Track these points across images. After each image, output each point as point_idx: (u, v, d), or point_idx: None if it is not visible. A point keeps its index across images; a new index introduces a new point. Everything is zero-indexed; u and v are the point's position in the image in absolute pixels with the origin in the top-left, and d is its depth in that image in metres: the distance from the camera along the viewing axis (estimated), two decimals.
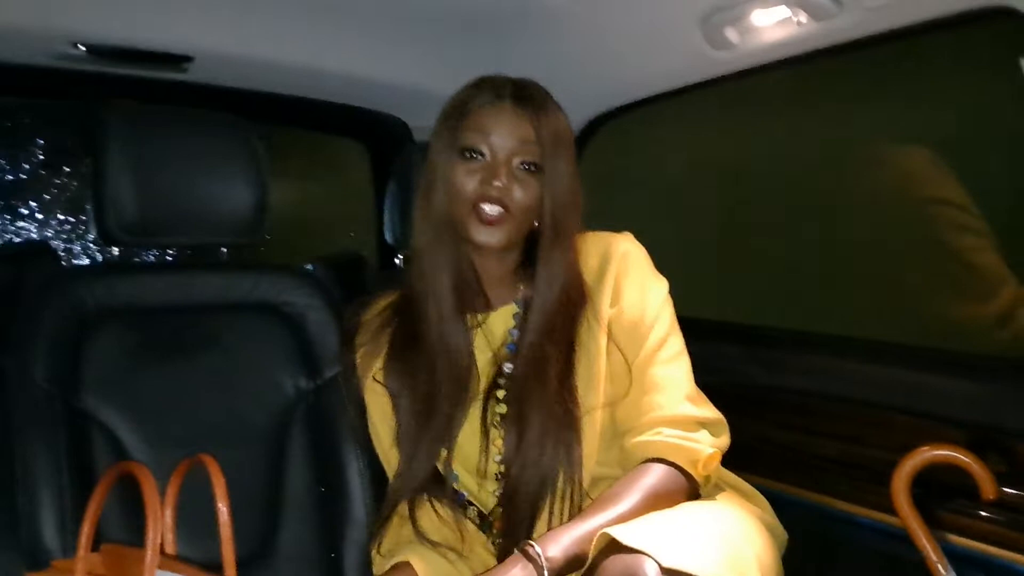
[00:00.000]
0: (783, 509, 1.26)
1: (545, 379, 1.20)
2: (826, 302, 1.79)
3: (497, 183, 1.20)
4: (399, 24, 1.64)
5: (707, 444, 1.18)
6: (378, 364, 1.31)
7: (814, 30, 1.32)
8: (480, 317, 1.29)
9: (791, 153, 1.92)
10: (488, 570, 1.10)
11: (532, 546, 1.07)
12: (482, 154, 1.22)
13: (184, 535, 1.18)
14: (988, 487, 1.12)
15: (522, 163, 1.22)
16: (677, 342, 1.25)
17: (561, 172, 1.22)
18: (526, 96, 1.24)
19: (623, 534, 0.99)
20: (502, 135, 1.21)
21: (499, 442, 1.24)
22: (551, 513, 1.19)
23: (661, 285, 1.26)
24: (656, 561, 0.95)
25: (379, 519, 1.31)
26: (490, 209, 1.20)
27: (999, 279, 1.34)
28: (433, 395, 1.25)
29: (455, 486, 1.28)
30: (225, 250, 1.59)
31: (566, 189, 1.22)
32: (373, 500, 1.38)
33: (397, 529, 1.29)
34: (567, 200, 1.23)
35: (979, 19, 1.16)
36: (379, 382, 1.31)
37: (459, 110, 1.25)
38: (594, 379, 1.21)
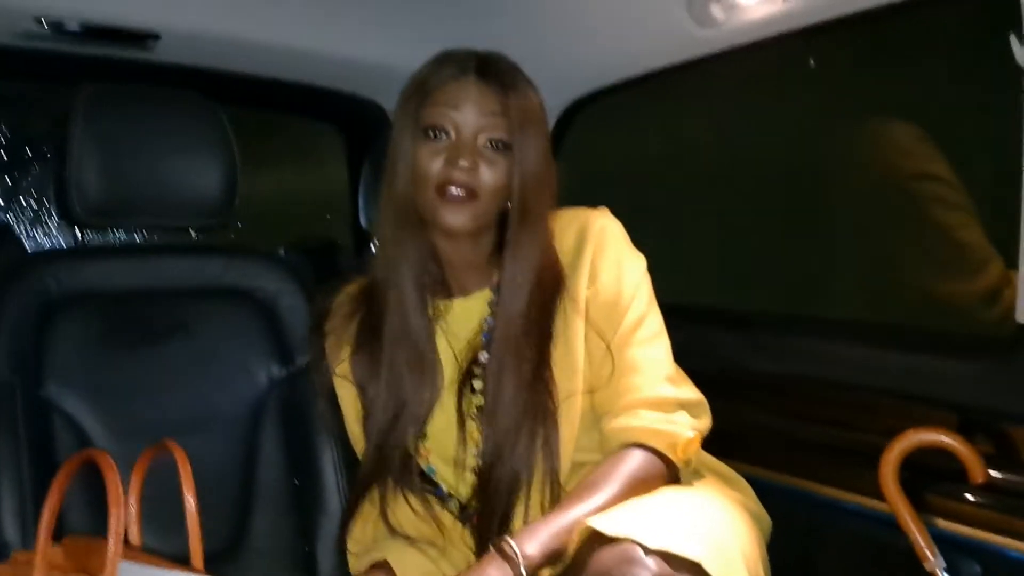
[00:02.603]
0: (768, 495, 1.24)
1: (518, 369, 1.16)
2: (813, 281, 1.78)
3: (463, 163, 1.13)
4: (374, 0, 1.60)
5: (687, 427, 1.14)
6: (346, 351, 1.27)
7: (801, 7, 1.29)
8: (445, 305, 1.24)
9: (776, 135, 1.90)
10: (463, 570, 1.07)
11: (508, 543, 1.04)
12: (446, 132, 1.14)
13: (153, 529, 1.15)
14: (977, 471, 1.11)
15: (489, 141, 1.14)
16: (656, 321, 1.20)
17: (531, 150, 1.15)
18: (492, 69, 1.17)
19: (605, 525, 0.97)
20: (467, 111, 1.14)
21: (476, 434, 1.20)
22: (528, 504, 1.16)
23: (639, 262, 1.21)
24: (643, 546, 0.93)
25: (347, 510, 1.27)
26: (456, 191, 1.13)
27: (986, 256, 1.33)
28: (397, 384, 1.21)
29: (434, 479, 1.24)
30: (195, 235, 1.55)
31: (537, 168, 1.16)
32: (348, 491, 1.35)
33: (374, 523, 1.25)
34: (538, 180, 1.16)
35: None
36: (347, 369, 1.27)
37: (421, 87, 1.18)
38: (572, 365, 1.17)
